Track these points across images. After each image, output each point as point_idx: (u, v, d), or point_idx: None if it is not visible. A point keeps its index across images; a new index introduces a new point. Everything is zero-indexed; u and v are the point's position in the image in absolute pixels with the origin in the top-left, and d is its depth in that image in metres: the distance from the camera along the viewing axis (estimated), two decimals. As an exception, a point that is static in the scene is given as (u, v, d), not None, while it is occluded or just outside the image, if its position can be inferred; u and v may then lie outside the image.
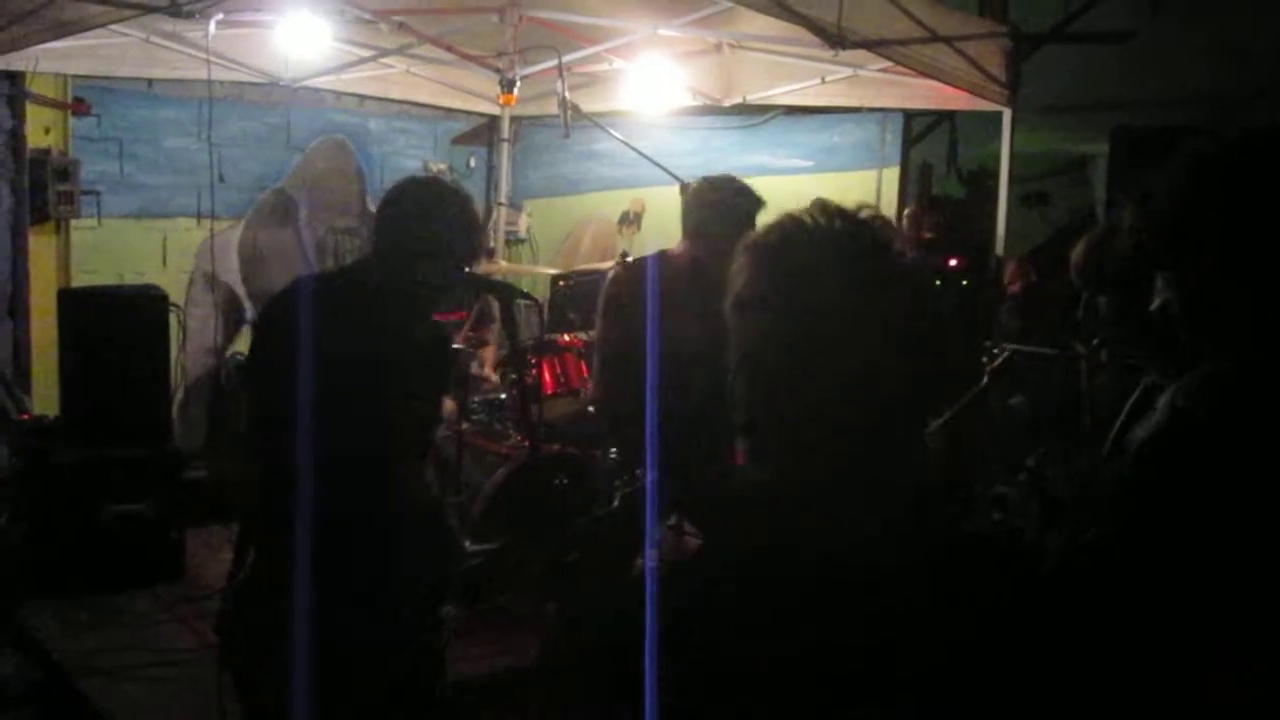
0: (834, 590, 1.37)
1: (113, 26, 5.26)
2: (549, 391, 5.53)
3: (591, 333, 5.89)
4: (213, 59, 5.68)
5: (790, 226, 1.46)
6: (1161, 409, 1.78)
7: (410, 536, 3.11)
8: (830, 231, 1.44)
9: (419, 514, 3.24)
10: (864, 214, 1.46)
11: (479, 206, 8.46)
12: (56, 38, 5.06)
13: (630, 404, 4.52)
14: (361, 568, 2.90)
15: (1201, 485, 1.65)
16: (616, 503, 4.31)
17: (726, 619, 1.39)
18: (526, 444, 5.46)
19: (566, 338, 5.89)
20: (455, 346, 5.39)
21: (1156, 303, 1.84)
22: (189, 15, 4.74)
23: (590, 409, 5.23)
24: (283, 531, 2.84)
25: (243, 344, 7.35)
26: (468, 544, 4.49)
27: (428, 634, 3.27)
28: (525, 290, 4.30)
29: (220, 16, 5.14)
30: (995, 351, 5.09)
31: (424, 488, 3.29)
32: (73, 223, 6.80)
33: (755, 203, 4.48)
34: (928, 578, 1.38)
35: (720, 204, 4.50)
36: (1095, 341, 2.72)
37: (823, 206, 1.47)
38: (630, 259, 5.44)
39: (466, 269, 3.20)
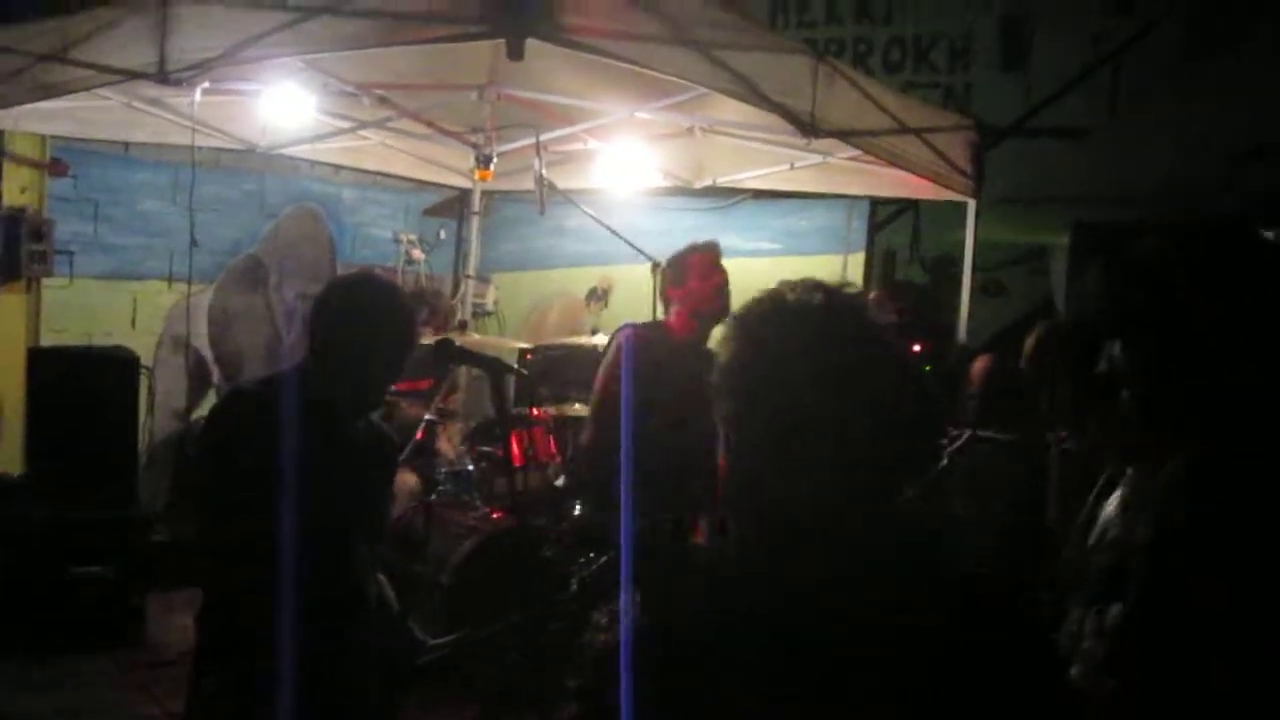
0: (800, 661, 1.39)
1: (95, 90, 5.31)
2: (517, 464, 5.57)
3: (561, 407, 5.96)
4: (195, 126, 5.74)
5: (771, 300, 1.52)
6: (1148, 512, 1.83)
7: (364, 641, 3.13)
8: (808, 304, 1.50)
9: (370, 619, 3.23)
10: (841, 288, 1.53)
11: (443, 277, 8.57)
12: (40, 99, 5.10)
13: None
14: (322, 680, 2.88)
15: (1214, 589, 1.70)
16: (574, 586, 4.32)
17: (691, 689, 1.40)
18: (496, 515, 5.49)
19: (535, 411, 5.93)
20: (428, 418, 5.43)
21: (1103, 365, 1.91)
22: (176, 83, 4.78)
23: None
24: (246, 653, 2.84)
25: (208, 408, 7.34)
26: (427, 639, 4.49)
27: None
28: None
29: (206, 85, 5.20)
30: (954, 433, 5.18)
31: (374, 591, 3.28)
32: (44, 281, 6.82)
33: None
34: (910, 649, 1.40)
35: None
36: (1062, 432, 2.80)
37: (803, 282, 1.53)
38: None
39: (400, 373, 3.18)
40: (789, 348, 1.48)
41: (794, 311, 1.51)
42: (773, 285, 1.55)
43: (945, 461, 5.04)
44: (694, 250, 4.99)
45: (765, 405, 1.48)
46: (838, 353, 1.47)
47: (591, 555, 4.35)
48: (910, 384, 1.51)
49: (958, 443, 5.10)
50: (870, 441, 1.46)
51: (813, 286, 1.53)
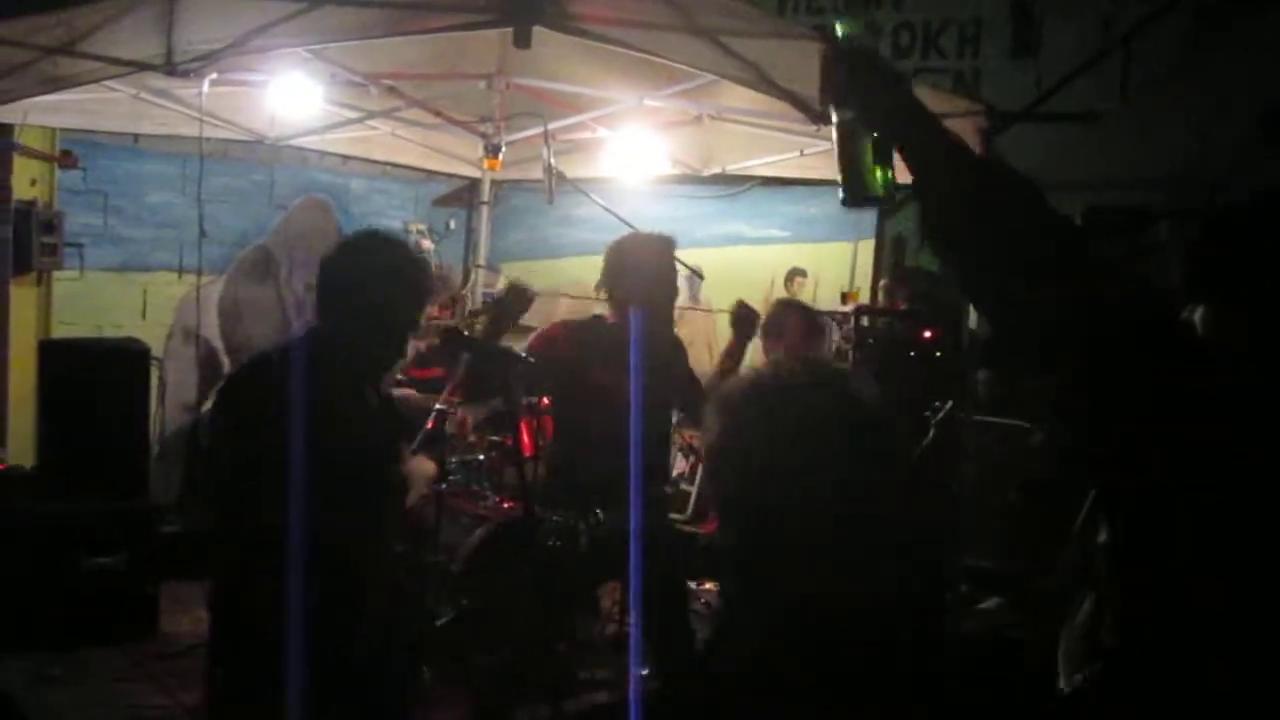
0: (798, 680, 1.42)
1: (103, 82, 5.31)
2: (528, 454, 5.55)
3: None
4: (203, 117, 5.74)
5: (755, 378, 1.54)
6: None
7: (379, 628, 3.13)
8: (791, 380, 1.51)
9: (386, 588, 3.24)
10: (824, 363, 1.54)
11: (453, 266, 8.57)
12: (48, 92, 5.10)
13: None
14: (335, 649, 2.88)
15: None
16: (585, 541, 4.32)
17: None
18: (507, 505, 5.49)
19: (545, 401, 5.91)
20: (439, 407, 5.43)
21: (1188, 313, 1.88)
22: (184, 74, 4.78)
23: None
24: (263, 630, 2.81)
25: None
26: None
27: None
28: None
29: (214, 76, 5.20)
30: (936, 405, 5.20)
31: (390, 561, 3.28)
32: (54, 274, 6.84)
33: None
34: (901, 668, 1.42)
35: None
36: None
37: (787, 359, 1.56)
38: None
39: (416, 330, 3.14)
40: (770, 421, 1.48)
41: (772, 384, 1.52)
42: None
43: (932, 434, 5.07)
44: (669, 244, 4.75)
45: (751, 476, 1.48)
46: (815, 424, 1.47)
47: (593, 520, 4.36)
48: (886, 449, 1.51)
49: (940, 414, 5.12)
50: (864, 516, 1.46)
51: (794, 360, 1.54)
